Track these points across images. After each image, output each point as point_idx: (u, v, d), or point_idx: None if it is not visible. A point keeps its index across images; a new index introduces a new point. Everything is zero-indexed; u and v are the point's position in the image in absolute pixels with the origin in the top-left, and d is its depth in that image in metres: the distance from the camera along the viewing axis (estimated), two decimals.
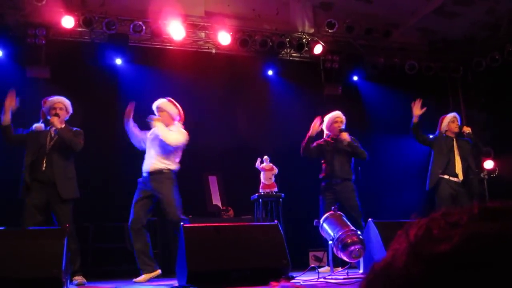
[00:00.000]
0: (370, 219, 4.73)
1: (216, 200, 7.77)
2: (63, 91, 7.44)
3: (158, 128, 5.41)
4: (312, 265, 6.10)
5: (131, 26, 7.69)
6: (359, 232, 4.28)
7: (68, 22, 7.38)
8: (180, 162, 7.15)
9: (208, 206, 7.74)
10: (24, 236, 3.92)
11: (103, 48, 7.89)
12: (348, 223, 4.45)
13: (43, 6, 7.24)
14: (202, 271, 3.82)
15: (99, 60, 7.92)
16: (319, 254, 7.52)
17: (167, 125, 5.54)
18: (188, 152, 7.78)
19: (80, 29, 7.68)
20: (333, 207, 4.67)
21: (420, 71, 9.08)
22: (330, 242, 4.37)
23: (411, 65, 9.02)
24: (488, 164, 7.97)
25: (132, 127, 5.69)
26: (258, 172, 6.89)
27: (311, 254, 7.66)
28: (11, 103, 5.28)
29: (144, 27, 7.77)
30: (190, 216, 7.35)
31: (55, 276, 3.59)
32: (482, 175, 7.38)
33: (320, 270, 5.11)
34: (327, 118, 6.45)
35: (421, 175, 8.02)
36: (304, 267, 6.61)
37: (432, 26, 8.91)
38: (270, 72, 8.88)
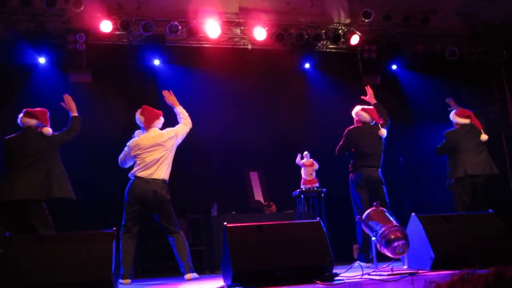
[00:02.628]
0: (413, 213, 4.66)
1: (258, 196, 7.83)
2: (105, 94, 7.66)
3: None
4: (355, 259, 6.09)
5: (167, 26, 7.79)
6: (403, 228, 4.24)
7: (106, 26, 7.53)
8: (221, 159, 7.25)
9: (250, 202, 7.80)
10: (74, 240, 4.03)
11: (141, 50, 8.03)
12: (391, 218, 4.41)
13: (81, 12, 7.41)
14: (247, 271, 3.85)
15: (137, 62, 8.07)
16: None
17: None
18: (229, 149, 7.89)
19: (118, 32, 7.83)
20: (375, 203, 4.63)
21: (461, 57, 8.86)
22: (373, 238, 4.35)
23: (452, 52, 8.81)
24: None
25: None
26: (298, 165, 6.91)
27: (355, 247, 7.63)
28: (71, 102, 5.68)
29: (180, 27, 7.85)
30: (234, 212, 7.45)
31: (106, 278, 3.70)
32: None
33: (361, 264, 5.09)
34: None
35: None
36: (348, 260, 6.61)
37: (473, 10, 8.65)
38: (307, 65, 8.83)
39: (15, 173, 5.16)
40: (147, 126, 5.50)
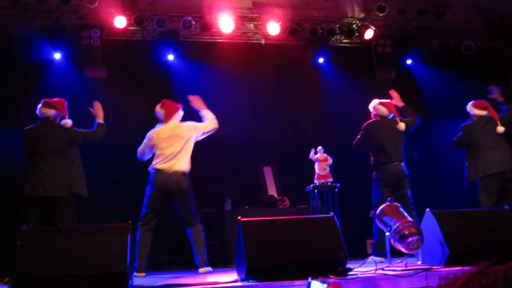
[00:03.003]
0: (428, 209, 4.64)
1: (272, 191, 7.84)
2: (119, 89, 7.71)
3: None
4: (369, 255, 6.08)
5: (181, 22, 7.80)
6: (417, 223, 4.22)
7: (120, 22, 7.57)
8: (235, 154, 7.27)
9: (264, 196, 7.82)
10: (90, 233, 4.09)
11: (155, 46, 8.06)
12: (405, 214, 4.40)
13: (96, 8, 7.46)
14: (260, 265, 3.88)
15: (151, 57, 8.10)
16: None
17: None
18: (242, 144, 7.91)
19: (132, 28, 7.87)
20: (389, 198, 4.62)
21: (477, 51, 8.75)
22: (387, 233, 4.34)
23: (468, 46, 8.71)
24: None
25: None
26: (312, 160, 6.90)
27: (368, 242, 7.62)
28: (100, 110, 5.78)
29: (193, 22, 7.87)
30: (247, 207, 7.47)
31: (122, 271, 3.74)
32: None
33: (375, 258, 5.08)
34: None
35: None
36: (362, 254, 6.60)
37: (488, 3, 8.54)
38: (321, 60, 8.79)
39: (41, 167, 5.22)
40: (167, 119, 5.58)
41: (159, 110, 5.65)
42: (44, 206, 5.24)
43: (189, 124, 5.63)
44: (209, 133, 5.67)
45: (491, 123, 6.19)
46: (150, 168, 5.44)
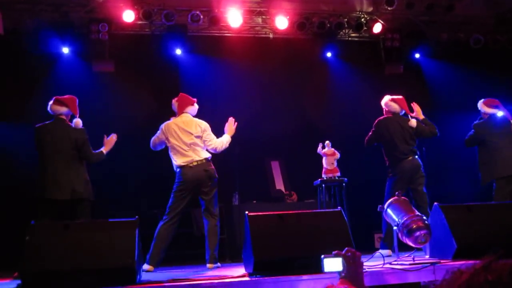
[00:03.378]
0: (435, 203, 4.63)
1: (280, 185, 7.85)
2: (127, 83, 7.74)
3: None
4: (376, 249, 6.08)
5: (189, 16, 7.81)
6: (424, 217, 4.21)
7: (128, 16, 7.58)
8: (242, 148, 7.27)
9: (271, 191, 7.83)
10: (98, 228, 4.10)
11: (163, 40, 8.08)
12: (413, 208, 4.38)
13: (104, 2, 7.48)
14: (268, 259, 3.88)
15: (160, 51, 8.12)
16: None
17: None
18: (250, 138, 7.91)
19: (140, 22, 7.88)
20: (397, 192, 4.61)
21: (486, 45, 8.70)
22: (395, 227, 4.33)
23: (476, 39, 8.66)
24: None
25: None
26: (320, 155, 6.90)
27: (376, 236, 7.62)
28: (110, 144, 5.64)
29: (201, 16, 7.87)
30: (255, 201, 7.48)
31: (129, 266, 3.74)
32: None
33: (383, 252, 5.07)
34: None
35: None
36: (369, 249, 6.59)
37: None
38: (329, 54, 8.78)
39: (54, 167, 5.20)
40: (180, 111, 5.59)
41: (174, 102, 5.67)
42: (62, 208, 5.23)
43: (200, 122, 5.58)
44: (208, 148, 5.59)
45: (504, 122, 6.12)
46: (175, 167, 5.45)
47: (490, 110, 6.20)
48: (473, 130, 6.23)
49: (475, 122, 6.27)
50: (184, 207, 5.41)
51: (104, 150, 5.56)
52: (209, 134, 5.58)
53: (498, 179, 5.98)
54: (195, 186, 5.36)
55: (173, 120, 5.57)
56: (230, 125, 5.78)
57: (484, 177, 6.12)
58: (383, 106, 6.20)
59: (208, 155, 5.49)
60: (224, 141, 5.64)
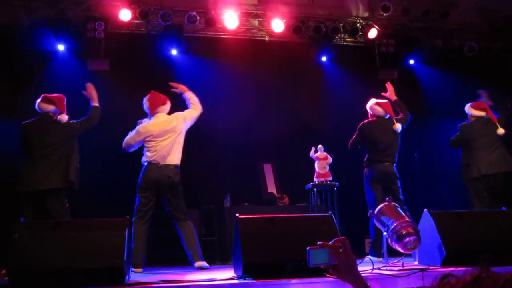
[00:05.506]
0: (426, 209, 4.65)
1: (271, 188, 7.85)
2: (122, 83, 7.71)
3: None
4: (366, 254, 6.10)
5: (186, 16, 7.80)
6: (414, 223, 4.23)
7: (125, 15, 7.57)
8: (235, 150, 7.26)
9: (263, 194, 7.83)
10: (87, 227, 4.07)
11: (159, 40, 8.06)
12: (403, 214, 4.40)
13: (101, 0, 7.48)
14: (258, 262, 3.88)
15: (155, 51, 8.10)
16: None
17: None
18: (243, 141, 7.91)
19: (136, 21, 7.88)
20: (387, 198, 4.62)
21: (480, 52, 8.75)
22: (385, 233, 4.35)
23: (471, 47, 8.70)
24: None
25: None
26: (312, 159, 6.91)
27: (367, 241, 7.63)
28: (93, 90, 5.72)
29: (198, 17, 7.87)
30: (246, 204, 7.48)
31: (118, 266, 3.73)
32: None
33: (372, 258, 5.08)
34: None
35: None
36: (360, 254, 6.61)
37: (492, 5, 8.54)
38: (324, 58, 8.80)
39: (37, 162, 5.25)
40: (152, 111, 5.55)
41: (145, 102, 5.61)
42: (36, 200, 5.26)
43: (178, 115, 5.56)
44: (196, 119, 5.61)
45: (490, 125, 6.20)
46: (143, 161, 5.44)
47: (477, 113, 6.29)
48: (459, 131, 6.31)
49: (461, 123, 6.35)
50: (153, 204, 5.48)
51: (94, 103, 5.69)
52: (187, 112, 5.62)
53: (476, 178, 6.05)
54: (156, 186, 5.39)
55: (151, 122, 5.50)
56: (178, 87, 5.82)
57: (463, 176, 6.24)
58: (368, 110, 6.25)
59: (179, 162, 5.48)
60: (193, 100, 5.68)
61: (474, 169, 6.10)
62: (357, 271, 1.88)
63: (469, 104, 6.39)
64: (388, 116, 6.12)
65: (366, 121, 6.22)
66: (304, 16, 8.36)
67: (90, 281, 3.59)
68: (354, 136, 6.23)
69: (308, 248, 2.03)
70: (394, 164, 6.03)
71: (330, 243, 1.93)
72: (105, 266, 3.71)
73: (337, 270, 1.88)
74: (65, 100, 5.56)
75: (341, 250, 1.88)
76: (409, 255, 4.83)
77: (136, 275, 4.85)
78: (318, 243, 1.99)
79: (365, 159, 6.17)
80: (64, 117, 5.44)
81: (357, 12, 8.62)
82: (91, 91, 5.74)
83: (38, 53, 7.55)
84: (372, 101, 6.24)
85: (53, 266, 3.66)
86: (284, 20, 8.17)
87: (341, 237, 1.94)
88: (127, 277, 3.87)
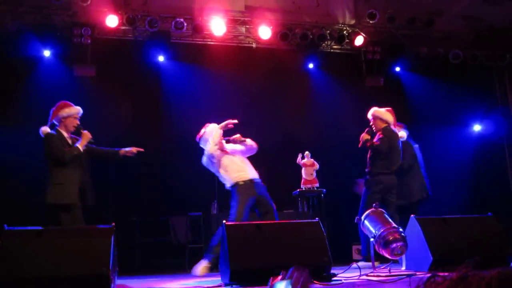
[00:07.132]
0: (412, 215, 4.67)
1: None
2: (108, 89, 7.68)
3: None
4: (354, 260, 6.10)
5: (173, 23, 7.80)
6: (401, 229, 4.24)
7: (112, 21, 7.55)
8: None
9: None
10: (72, 234, 4.02)
11: (146, 46, 8.05)
12: (390, 220, 4.42)
13: (88, 6, 7.43)
14: (244, 269, 3.86)
15: (142, 57, 8.08)
16: None
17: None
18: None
19: (123, 27, 7.85)
20: (374, 204, 4.64)
21: (465, 60, 8.85)
22: (372, 239, 4.36)
23: (456, 54, 8.80)
24: None
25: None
26: (299, 165, 6.92)
27: (354, 247, 7.64)
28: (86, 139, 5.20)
29: (185, 24, 7.86)
30: None
31: (104, 273, 3.69)
32: None
33: (360, 264, 5.08)
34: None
35: (467, 169, 7.79)
36: (347, 260, 6.62)
37: (477, 13, 8.64)
38: (311, 65, 8.85)
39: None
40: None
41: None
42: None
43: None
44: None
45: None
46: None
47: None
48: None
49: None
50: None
51: (79, 144, 5.10)
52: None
53: None
54: None
55: None
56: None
57: None
58: (380, 117, 5.95)
59: (227, 184, 5.87)
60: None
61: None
62: None
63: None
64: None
65: (388, 126, 5.90)
66: (291, 23, 8.40)
67: None
68: (382, 137, 5.78)
69: (274, 282, 2.19)
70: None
71: (289, 272, 2.02)
72: (91, 274, 3.67)
73: None
74: (53, 108, 5.11)
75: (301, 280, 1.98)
76: (396, 261, 4.85)
77: (121, 281, 4.82)
78: (281, 273, 2.18)
79: (370, 168, 5.90)
80: (44, 129, 4.97)
81: (344, 19, 8.68)
82: (84, 138, 5.19)
83: (24, 58, 7.48)
84: (382, 109, 5.99)
85: (38, 274, 3.61)
86: (271, 27, 8.20)
87: (299, 268, 2.02)
88: (112, 285, 3.83)
